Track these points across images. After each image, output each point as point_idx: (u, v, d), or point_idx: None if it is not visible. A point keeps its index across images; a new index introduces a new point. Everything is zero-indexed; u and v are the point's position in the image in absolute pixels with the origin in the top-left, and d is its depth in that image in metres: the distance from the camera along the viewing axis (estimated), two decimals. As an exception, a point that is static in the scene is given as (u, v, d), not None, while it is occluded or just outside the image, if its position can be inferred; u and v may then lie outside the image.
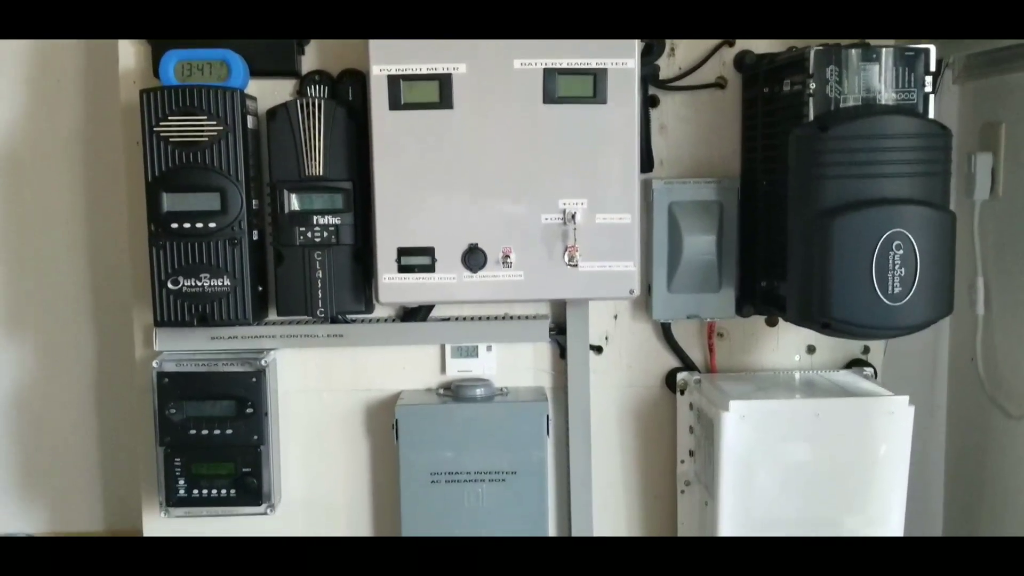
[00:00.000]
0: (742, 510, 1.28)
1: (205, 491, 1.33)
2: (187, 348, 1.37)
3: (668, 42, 1.39)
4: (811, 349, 1.44)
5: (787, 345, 1.44)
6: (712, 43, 1.39)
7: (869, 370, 1.42)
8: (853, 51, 1.18)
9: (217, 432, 1.33)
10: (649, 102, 1.39)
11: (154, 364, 1.34)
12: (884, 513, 1.28)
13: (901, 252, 1.12)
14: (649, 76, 1.37)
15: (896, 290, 1.13)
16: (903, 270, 1.12)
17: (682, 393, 1.42)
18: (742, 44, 1.39)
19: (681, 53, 1.40)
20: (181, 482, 1.33)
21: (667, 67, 1.39)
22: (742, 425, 1.26)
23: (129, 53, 1.37)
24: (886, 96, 1.17)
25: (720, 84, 1.40)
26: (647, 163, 1.39)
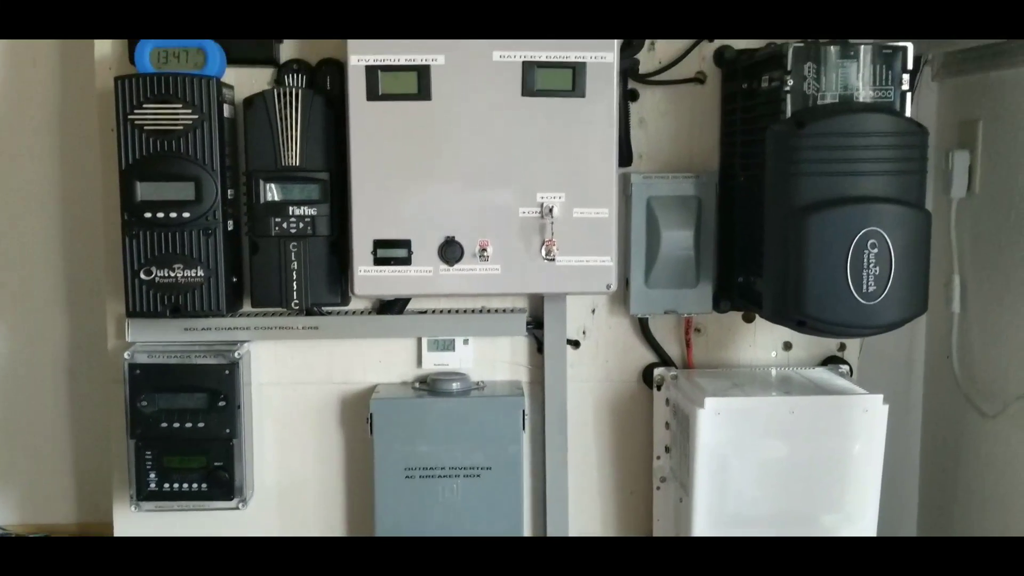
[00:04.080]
0: (717, 506, 1.28)
1: (176, 485, 1.32)
2: (160, 339, 1.36)
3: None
4: (787, 345, 1.45)
5: (764, 341, 1.45)
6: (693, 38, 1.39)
7: (845, 367, 1.42)
8: (831, 48, 1.17)
9: (189, 425, 1.32)
10: (629, 96, 1.39)
11: (126, 355, 1.32)
12: (858, 511, 1.29)
13: (876, 251, 1.12)
14: (629, 70, 1.37)
15: (871, 289, 1.13)
16: (878, 269, 1.12)
17: (659, 388, 1.42)
18: (722, 39, 1.39)
19: (661, 47, 1.39)
20: (152, 475, 1.32)
21: (647, 61, 1.39)
22: (718, 421, 1.26)
23: (105, 39, 1.36)
24: (864, 93, 1.17)
25: (699, 79, 1.39)
26: (626, 157, 1.38)
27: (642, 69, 1.38)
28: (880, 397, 1.26)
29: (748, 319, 1.44)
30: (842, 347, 1.44)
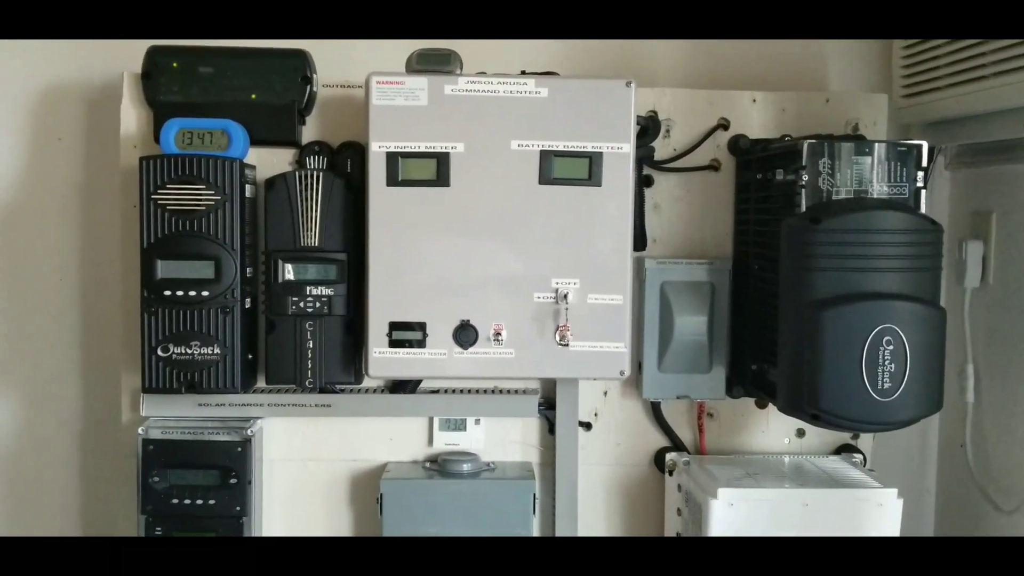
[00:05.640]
0: (728, 597, 1.27)
1: (185, 562, 1.31)
2: (174, 414, 1.36)
3: (664, 124, 1.41)
4: (801, 433, 1.44)
5: (777, 427, 1.44)
6: (708, 126, 1.41)
7: (858, 456, 1.41)
8: (846, 145, 1.19)
9: (199, 502, 1.31)
10: (644, 182, 1.41)
11: (139, 431, 1.33)
12: (872, 605, 1.27)
13: (891, 347, 1.12)
14: (645, 158, 1.39)
15: (886, 385, 1.13)
16: (893, 365, 1.12)
17: (670, 474, 1.41)
18: (737, 128, 1.41)
19: (676, 135, 1.41)
20: (161, 552, 1.31)
21: (662, 149, 1.41)
22: (730, 512, 1.25)
23: (131, 117, 1.39)
24: (878, 190, 1.19)
25: (714, 167, 1.42)
26: (640, 242, 1.39)
27: (657, 156, 1.41)
28: (895, 491, 1.25)
29: (761, 405, 1.43)
30: (856, 435, 1.44)
